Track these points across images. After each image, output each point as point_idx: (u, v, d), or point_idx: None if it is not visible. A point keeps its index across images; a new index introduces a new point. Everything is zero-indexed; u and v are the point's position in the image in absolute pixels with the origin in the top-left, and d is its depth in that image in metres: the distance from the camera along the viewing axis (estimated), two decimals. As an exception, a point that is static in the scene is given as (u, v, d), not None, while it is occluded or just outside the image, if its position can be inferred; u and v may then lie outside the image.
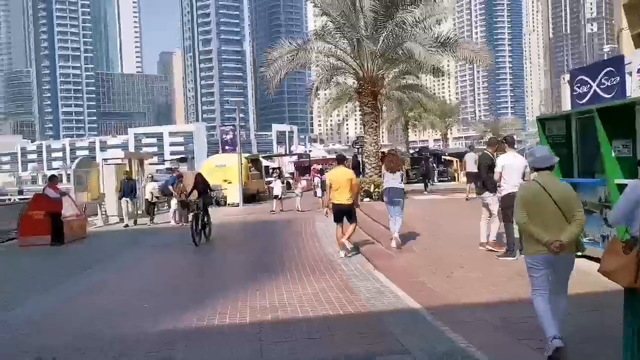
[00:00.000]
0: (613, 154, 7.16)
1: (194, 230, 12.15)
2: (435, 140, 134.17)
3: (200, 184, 13.27)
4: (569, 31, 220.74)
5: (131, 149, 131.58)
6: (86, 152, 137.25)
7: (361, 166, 23.11)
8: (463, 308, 6.03)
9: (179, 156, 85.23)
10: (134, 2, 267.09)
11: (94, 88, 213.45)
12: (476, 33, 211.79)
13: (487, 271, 7.74)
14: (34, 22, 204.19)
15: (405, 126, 48.32)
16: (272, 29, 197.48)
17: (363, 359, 4.72)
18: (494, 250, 8.72)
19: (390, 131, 67.49)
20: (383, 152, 21.84)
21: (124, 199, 18.02)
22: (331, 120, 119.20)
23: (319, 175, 24.62)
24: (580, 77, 8.42)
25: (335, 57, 21.16)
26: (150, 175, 21.03)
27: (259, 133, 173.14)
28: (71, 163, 22.87)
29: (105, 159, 22.56)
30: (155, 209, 20.06)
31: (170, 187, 18.39)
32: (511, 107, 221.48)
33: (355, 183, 9.72)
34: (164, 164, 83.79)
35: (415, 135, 70.56)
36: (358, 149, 29.40)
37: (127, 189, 18.00)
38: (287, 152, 72.50)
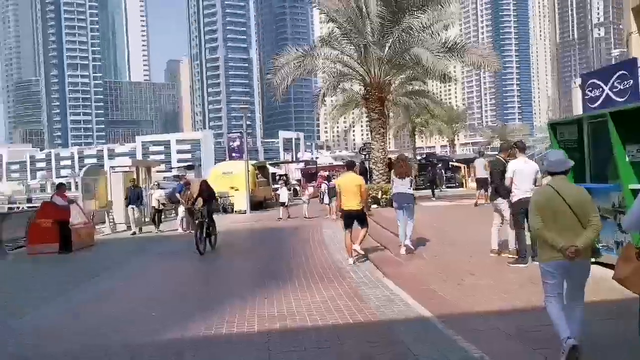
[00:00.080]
0: (627, 159, 7.02)
1: (198, 239, 11.98)
2: (442, 146, 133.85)
3: (205, 191, 13.09)
4: (576, 36, 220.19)
5: (139, 156, 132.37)
6: (94, 160, 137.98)
7: (368, 173, 23.01)
8: (475, 316, 5.91)
9: (186, 164, 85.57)
10: (141, 11, 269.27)
11: (102, 96, 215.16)
12: (482, 39, 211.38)
13: (498, 278, 7.61)
14: (42, 31, 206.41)
15: (412, 132, 48.21)
16: (278, 37, 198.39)
17: (374, 369, 4.62)
18: (513, 257, 8.51)
19: (397, 138, 67.40)
20: (390, 159, 21.81)
21: (130, 206, 18.04)
22: (337, 127, 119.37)
23: (326, 182, 24.55)
24: (592, 81, 8.31)
25: (342, 63, 21.13)
26: (156, 183, 21.02)
27: (266, 140, 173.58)
28: (80, 171, 22.92)
29: (112, 167, 22.59)
30: (162, 217, 20.05)
31: (178, 195, 18.40)
32: (518, 113, 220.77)
33: (365, 189, 9.65)
34: (171, 171, 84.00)
35: (422, 141, 70.32)
36: (365, 155, 29.34)
37: (134, 197, 18.02)
38: (294, 159, 72.58)
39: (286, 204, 21.04)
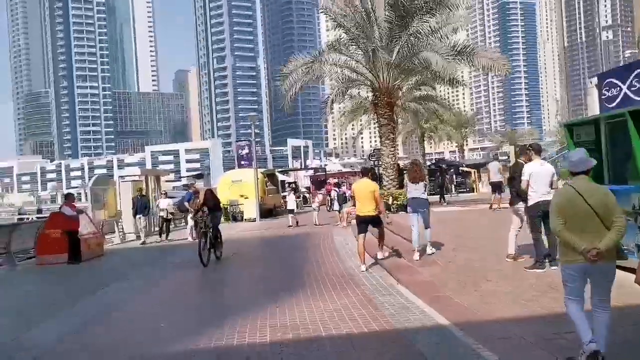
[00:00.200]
0: (647, 159, 6.80)
1: (201, 249, 11.42)
2: (450, 152, 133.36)
3: (210, 200, 12.64)
4: (584, 39, 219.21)
5: (148, 166, 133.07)
6: (104, 171, 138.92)
7: (378, 179, 22.83)
8: (494, 324, 5.69)
9: (195, 172, 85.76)
10: (149, 22, 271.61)
11: (111, 107, 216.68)
12: (490, 43, 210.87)
13: (516, 284, 7.38)
14: (52, 43, 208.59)
15: (422, 138, 47.95)
16: (285, 45, 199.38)
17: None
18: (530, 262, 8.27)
19: (405, 144, 67.12)
20: (398, 165, 21.64)
21: (138, 216, 17.95)
22: (346, 134, 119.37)
23: (336, 189, 24.42)
24: (609, 80, 8.09)
25: (350, 69, 21.01)
26: (164, 192, 20.90)
27: (274, 148, 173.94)
28: (89, 181, 22.96)
29: (122, 177, 22.60)
30: (172, 226, 19.96)
31: (187, 204, 18.30)
32: (527, 117, 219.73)
33: (379, 194, 9.64)
34: (180, 180, 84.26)
35: (431, 147, 70.00)
36: (374, 161, 29.19)
37: (141, 206, 17.91)
38: (303, 167, 72.56)
39: (294, 211, 20.92)
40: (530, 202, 7.92)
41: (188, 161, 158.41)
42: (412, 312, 6.47)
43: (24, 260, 14.94)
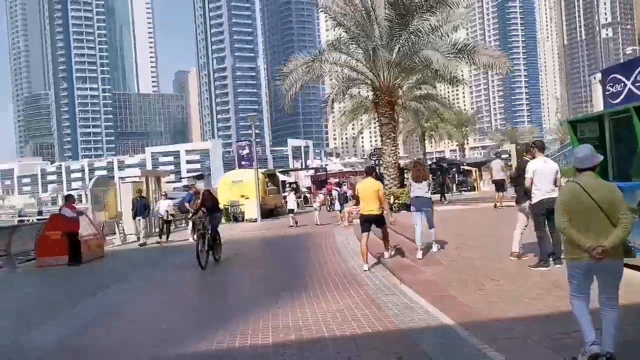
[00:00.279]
0: (654, 155, 6.73)
1: (199, 251, 11.10)
2: (451, 150, 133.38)
3: (208, 201, 12.22)
4: (583, 37, 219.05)
5: (149, 167, 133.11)
6: (105, 172, 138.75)
7: (379, 178, 22.76)
8: (500, 324, 5.60)
9: (195, 173, 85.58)
10: (148, 23, 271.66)
11: (111, 109, 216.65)
12: (490, 42, 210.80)
13: (520, 283, 7.30)
14: (51, 45, 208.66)
15: (422, 137, 47.87)
16: (285, 45, 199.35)
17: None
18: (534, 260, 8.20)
19: (406, 144, 67.06)
20: (398, 164, 21.58)
21: (137, 218, 17.80)
22: (346, 134, 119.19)
23: (337, 188, 24.36)
24: (613, 76, 8.00)
25: (350, 68, 20.95)
26: (164, 193, 20.77)
27: (275, 148, 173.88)
28: (89, 182, 22.90)
29: (122, 178, 22.53)
30: (172, 227, 19.87)
31: (187, 204, 18.17)
32: (527, 115, 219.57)
33: (382, 193, 9.63)
34: (181, 181, 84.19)
35: (431, 146, 69.92)
36: (375, 160, 29.11)
37: (140, 208, 17.79)
38: (304, 167, 72.50)
39: (294, 211, 20.81)
40: (534, 200, 7.84)
41: (188, 162, 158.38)
42: (416, 312, 6.39)
43: (24, 263, 14.88)
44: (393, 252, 10.14)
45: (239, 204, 25.82)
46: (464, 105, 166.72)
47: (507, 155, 38.69)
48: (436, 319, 5.99)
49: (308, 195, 37.85)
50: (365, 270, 9.30)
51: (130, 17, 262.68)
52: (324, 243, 14.36)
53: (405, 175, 28.66)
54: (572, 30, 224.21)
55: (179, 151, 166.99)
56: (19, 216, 59.58)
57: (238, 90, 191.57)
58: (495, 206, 18.08)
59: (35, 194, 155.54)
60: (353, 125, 34.81)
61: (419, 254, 9.53)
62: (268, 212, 26.76)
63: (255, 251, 15.17)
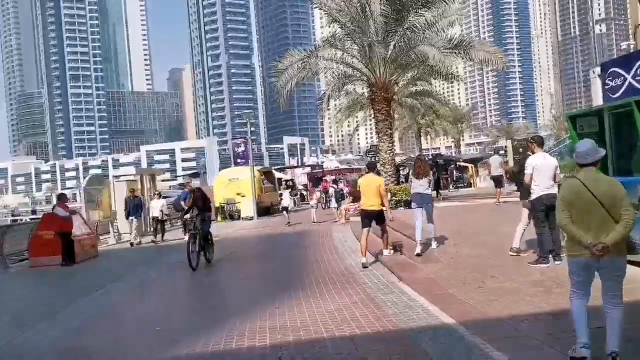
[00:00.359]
0: (655, 149, 6.64)
1: (190, 252, 10.64)
2: (446, 147, 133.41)
3: (199, 199, 11.71)
4: (577, 33, 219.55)
5: (144, 166, 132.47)
6: (99, 171, 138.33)
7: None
8: (501, 322, 5.50)
9: (191, 171, 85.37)
10: (142, 21, 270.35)
11: (105, 107, 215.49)
12: (484, 38, 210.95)
13: (520, 280, 7.20)
14: (44, 44, 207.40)
15: (418, 133, 47.81)
16: (279, 42, 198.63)
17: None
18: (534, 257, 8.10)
19: (402, 140, 67.01)
20: (394, 160, 21.48)
21: (130, 218, 17.45)
22: (342, 131, 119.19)
23: (334, 185, 24.24)
24: (612, 70, 7.89)
25: (346, 64, 20.82)
26: (157, 192, 20.42)
27: (270, 146, 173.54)
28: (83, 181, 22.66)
29: (116, 176, 22.32)
30: (167, 226, 19.66)
31: (183, 203, 17.98)
32: (522, 111, 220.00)
33: (384, 189, 9.69)
34: (176, 179, 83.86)
35: (427, 142, 70.00)
36: (371, 157, 29.03)
37: (133, 207, 17.48)
38: (300, 164, 72.38)
39: (288, 209, 20.51)
40: (534, 196, 7.75)
41: (184, 160, 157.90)
42: (415, 310, 6.29)
43: (17, 263, 14.71)
44: (391, 251, 10.08)
45: (235, 202, 25.69)
46: (459, 101, 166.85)
47: (503, 152, 38.68)
48: (436, 318, 5.89)
49: (304, 192, 37.73)
50: (363, 262, 9.36)
51: (123, 14, 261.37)
52: (321, 241, 14.27)
53: (401, 172, 28.61)
54: (566, 26, 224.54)
55: (174, 149, 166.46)
56: (12, 215, 59.16)
57: (233, 88, 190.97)
58: (498, 202, 17.91)
59: (29, 193, 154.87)
60: (349, 122, 34.73)
61: (418, 249, 9.48)
62: (264, 210, 26.64)
63: (252, 249, 15.05)
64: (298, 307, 6.96)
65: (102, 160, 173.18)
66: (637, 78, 7.39)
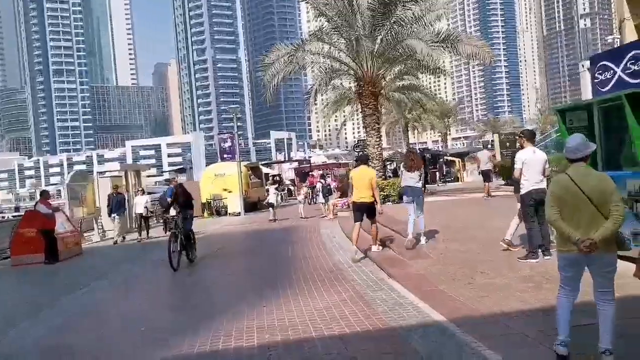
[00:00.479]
0: (645, 143, 6.59)
1: (171, 252, 10.17)
2: (433, 141, 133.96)
3: (181, 196, 11.26)
4: (562, 27, 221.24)
5: (129, 161, 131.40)
6: (84, 167, 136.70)
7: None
8: (492, 319, 5.43)
9: (177, 167, 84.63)
10: (126, 15, 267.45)
11: (89, 102, 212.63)
12: (470, 33, 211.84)
13: (510, 276, 7.14)
14: (27, 38, 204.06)
15: (406, 128, 47.82)
16: (266, 37, 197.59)
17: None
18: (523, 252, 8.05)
19: (389, 134, 66.97)
20: (382, 155, 21.41)
21: (113, 215, 17.13)
22: (329, 126, 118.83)
23: (321, 180, 24.12)
24: (602, 63, 7.84)
25: (333, 59, 20.67)
26: (141, 189, 20.06)
27: (257, 141, 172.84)
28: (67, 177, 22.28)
29: (100, 172, 22.00)
30: (154, 222, 19.41)
31: (169, 199, 17.75)
32: (508, 105, 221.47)
33: (375, 182, 9.73)
34: (162, 175, 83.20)
35: (414, 137, 70.09)
36: (359, 152, 28.94)
37: (116, 204, 17.17)
38: (287, 159, 72.15)
39: (275, 205, 20.17)
40: (523, 191, 7.70)
41: (170, 155, 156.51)
42: (405, 308, 6.19)
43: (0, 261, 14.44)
44: (380, 247, 10.02)
45: (222, 198, 25.48)
46: (446, 96, 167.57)
47: (490, 146, 38.87)
48: (427, 316, 5.81)
49: (292, 187, 37.56)
50: (355, 255, 9.41)
51: (107, 7, 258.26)
52: (309, 236, 14.16)
53: (388, 167, 28.58)
54: (551, 21, 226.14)
55: (160, 144, 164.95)
56: (-4, 212, 58.41)
57: (219, 83, 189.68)
58: (489, 195, 17.92)
59: (12, 189, 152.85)
60: (336, 116, 34.55)
61: (408, 243, 9.47)
62: (251, 206, 26.46)
63: (239, 246, 14.90)
64: (286, 305, 6.84)
65: (87, 156, 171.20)
66: (627, 71, 7.34)
